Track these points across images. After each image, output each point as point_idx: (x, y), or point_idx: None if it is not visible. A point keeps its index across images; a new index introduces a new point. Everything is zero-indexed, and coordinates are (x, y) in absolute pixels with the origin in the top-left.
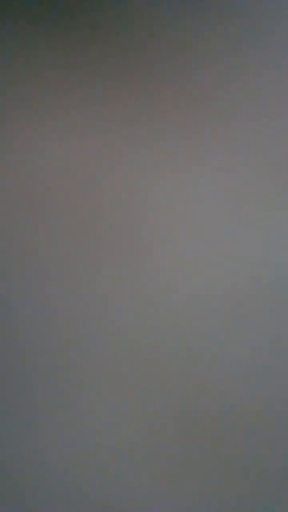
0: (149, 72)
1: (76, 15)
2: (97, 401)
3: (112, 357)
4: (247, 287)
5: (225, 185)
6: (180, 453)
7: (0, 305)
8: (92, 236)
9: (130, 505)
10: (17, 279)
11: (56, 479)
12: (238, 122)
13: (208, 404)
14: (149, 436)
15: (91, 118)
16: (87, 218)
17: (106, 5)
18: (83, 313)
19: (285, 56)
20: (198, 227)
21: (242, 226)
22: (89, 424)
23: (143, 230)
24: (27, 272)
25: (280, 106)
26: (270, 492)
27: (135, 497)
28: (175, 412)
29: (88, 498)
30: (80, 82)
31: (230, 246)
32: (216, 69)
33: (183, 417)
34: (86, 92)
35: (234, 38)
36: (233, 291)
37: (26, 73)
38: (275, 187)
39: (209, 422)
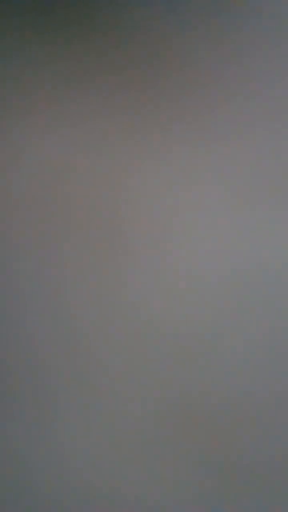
0: (148, 66)
1: (75, 9)
2: (90, 407)
3: (106, 356)
4: (248, 288)
5: (224, 181)
6: (176, 460)
7: None
8: (86, 234)
9: (129, 507)
10: None
11: (35, 486)
12: (238, 115)
13: (208, 404)
14: (147, 439)
15: (87, 111)
16: (82, 216)
17: (105, 1)
18: (69, 316)
19: (286, 50)
20: (194, 225)
21: (239, 223)
22: (72, 430)
23: (137, 229)
24: (3, 272)
25: (281, 102)
26: (271, 490)
27: (132, 499)
28: (174, 412)
29: (82, 502)
30: (76, 77)
31: (226, 243)
32: (216, 64)
33: (181, 418)
34: (82, 86)
35: (234, 30)
36: (230, 292)
37: (22, 68)
38: (275, 183)
39: (208, 422)
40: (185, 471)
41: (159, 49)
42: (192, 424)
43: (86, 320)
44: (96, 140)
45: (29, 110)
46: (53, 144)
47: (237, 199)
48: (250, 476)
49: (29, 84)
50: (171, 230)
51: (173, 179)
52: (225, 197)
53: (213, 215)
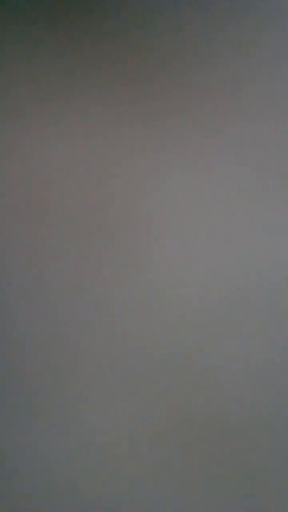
0: (152, 75)
1: (77, 18)
2: (98, 404)
3: (112, 359)
4: (249, 290)
5: (229, 188)
6: (180, 456)
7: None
8: (94, 238)
9: (129, 508)
10: (17, 279)
11: (56, 481)
12: (241, 123)
13: (209, 407)
14: (149, 439)
15: (95, 120)
16: (90, 221)
17: (107, 8)
18: (83, 315)
19: (285, 57)
20: (201, 230)
21: (245, 228)
22: (89, 426)
23: (145, 233)
24: (27, 273)
25: (280, 108)
26: (271, 496)
27: (135, 499)
28: (175, 414)
29: (88, 500)
30: (83, 86)
31: (233, 248)
32: (218, 71)
33: (183, 420)
34: (89, 95)
35: (234, 40)
36: (236, 294)
37: (28, 77)
38: (278, 190)
39: (210, 425)
40: (185, 475)
41: (167, 56)
42: (195, 429)
43: (92, 319)
44: (102, 149)
45: (34, 119)
46: (58, 153)
47: (241, 201)
48: (248, 477)
49: (33, 93)
50: (177, 235)
51: (178, 185)
52: (229, 200)
53: (216, 218)
